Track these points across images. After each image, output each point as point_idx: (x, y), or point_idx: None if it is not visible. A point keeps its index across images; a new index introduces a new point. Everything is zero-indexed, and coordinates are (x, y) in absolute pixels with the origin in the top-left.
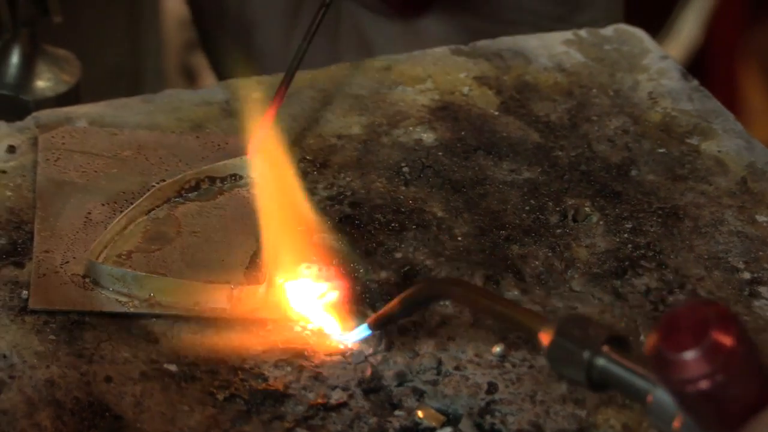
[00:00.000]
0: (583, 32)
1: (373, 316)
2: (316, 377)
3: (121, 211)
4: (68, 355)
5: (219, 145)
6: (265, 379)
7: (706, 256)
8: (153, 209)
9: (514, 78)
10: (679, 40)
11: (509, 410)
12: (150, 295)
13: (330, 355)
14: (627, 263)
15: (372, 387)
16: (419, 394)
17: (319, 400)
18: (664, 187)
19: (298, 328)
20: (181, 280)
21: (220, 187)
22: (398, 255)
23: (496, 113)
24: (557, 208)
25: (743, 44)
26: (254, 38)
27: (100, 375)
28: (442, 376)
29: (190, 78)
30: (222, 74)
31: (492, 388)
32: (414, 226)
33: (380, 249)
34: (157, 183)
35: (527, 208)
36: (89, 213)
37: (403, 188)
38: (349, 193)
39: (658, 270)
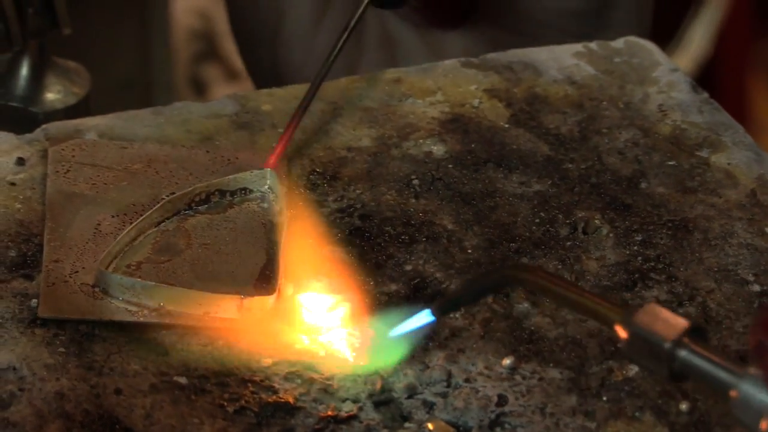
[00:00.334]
0: (593, 45)
1: (437, 301)
2: (326, 389)
3: (131, 223)
4: (78, 367)
5: (229, 160)
6: (276, 392)
7: (715, 269)
8: (163, 221)
9: (525, 90)
10: (688, 52)
11: (519, 422)
12: (160, 304)
13: (340, 366)
14: (637, 276)
15: (382, 399)
16: (429, 407)
17: (330, 413)
18: (674, 199)
19: (310, 340)
20: (191, 290)
21: (230, 201)
22: (408, 267)
23: (506, 126)
24: (567, 221)
25: (753, 57)
26: (282, 29)
27: (110, 387)
28: (452, 389)
29: (199, 90)
30: (249, 63)
31: (502, 400)
32: (424, 239)
33: (390, 261)
34: (167, 196)
35: (537, 220)
36: (99, 224)
37: (413, 201)
38: (359, 206)
39: (668, 282)
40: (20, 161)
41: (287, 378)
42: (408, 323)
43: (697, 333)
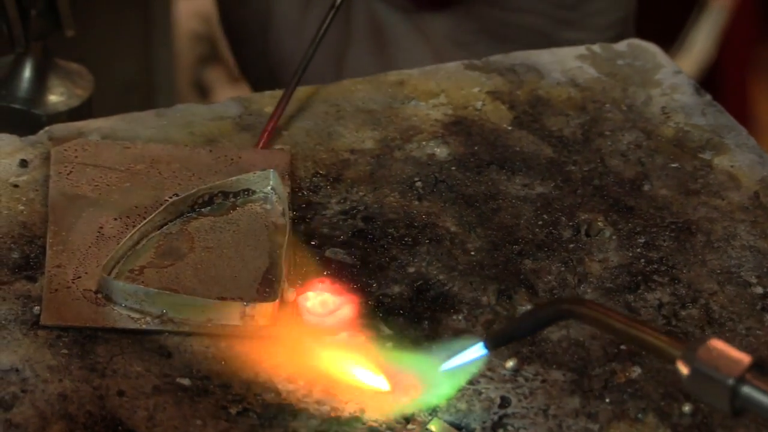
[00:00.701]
0: (596, 47)
1: (491, 333)
2: (329, 391)
3: (134, 226)
4: (81, 369)
5: (232, 159)
6: (278, 394)
7: (718, 271)
8: (166, 224)
9: (527, 93)
10: (691, 55)
11: (522, 424)
12: (162, 311)
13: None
14: (640, 278)
15: (385, 401)
16: (432, 408)
17: (332, 414)
18: (677, 201)
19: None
20: (193, 297)
21: (233, 202)
22: (411, 269)
23: (509, 128)
24: (570, 223)
25: (755, 59)
26: (271, 22)
27: (113, 389)
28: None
29: (202, 93)
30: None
31: (505, 402)
32: (427, 241)
33: (393, 263)
34: (170, 197)
35: (540, 222)
36: (101, 227)
37: (416, 203)
38: (362, 208)
39: (671, 285)
40: (23, 163)
41: (290, 379)
42: (460, 357)
43: (759, 368)
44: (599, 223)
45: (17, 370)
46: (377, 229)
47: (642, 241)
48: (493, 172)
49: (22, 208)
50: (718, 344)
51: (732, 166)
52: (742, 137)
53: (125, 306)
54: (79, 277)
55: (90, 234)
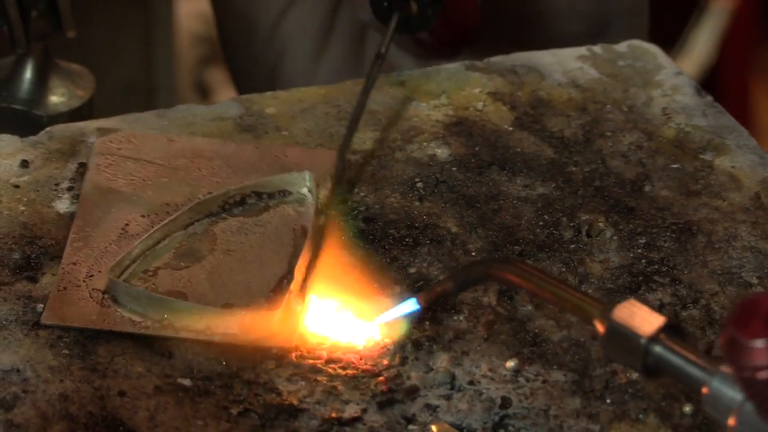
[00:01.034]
0: (597, 48)
1: (423, 292)
2: (330, 391)
3: (159, 224)
4: (82, 369)
5: (277, 157)
6: (279, 394)
7: (719, 272)
8: (192, 223)
9: (528, 93)
10: (692, 56)
11: (523, 425)
12: (164, 316)
13: (344, 369)
14: (641, 278)
15: (386, 401)
16: (433, 409)
17: (333, 415)
18: (678, 202)
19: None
20: (192, 303)
21: (267, 203)
22: (412, 270)
23: (510, 129)
24: (571, 224)
25: (756, 60)
26: (283, 65)
27: (114, 389)
28: (456, 391)
29: (203, 94)
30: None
31: (506, 402)
32: (428, 242)
33: (394, 264)
34: (203, 195)
35: (541, 223)
36: (127, 224)
37: (417, 203)
38: (363, 208)
39: (672, 285)
40: (24, 164)
41: (291, 380)
42: (394, 311)
43: (673, 330)
44: (600, 224)
45: (18, 371)
46: (378, 230)
47: (643, 241)
48: (494, 172)
49: (23, 208)
50: (635, 305)
51: (733, 167)
52: (743, 138)
53: (129, 309)
54: (92, 276)
55: (113, 231)
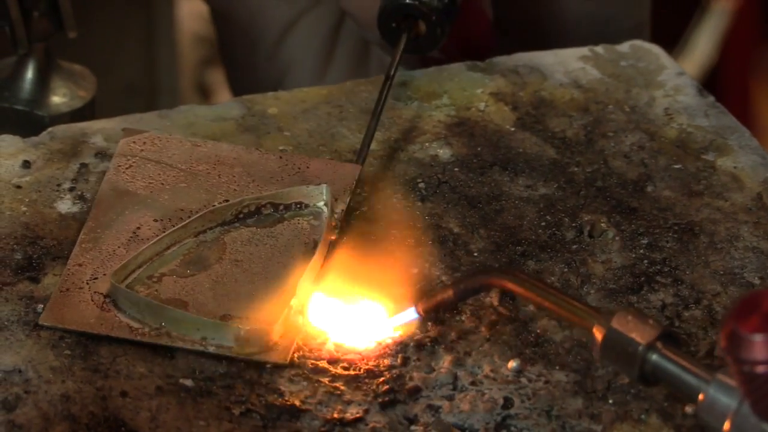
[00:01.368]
0: (599, 48)
1: (423, 300)
2: (332, 392)
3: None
4: (84, 370)
5: (299, 168)
6: (281, 395)
7: (721, 272)
8: (204, 231)
9: (530, 94)
10: (693, 56)
11: (525, 425)
12: (161, 324)
13: (347, 369)
14: (643, 279)
15: (388, 402)
16: (435, 410)
17: (335, 415)
18: (680, 203)
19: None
20: (191, 314)
21: (282, 215)
22: (414, 270)
23: (512, 129)
24: (573, 224)
25: (757, 61)
26: (287, 81)
27: (116, 390)
28: (458, 391)
29: (204, 95)
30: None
31: (508, 403)
32: (430, 242)
33: (396, 264)
34: (219, 203)
35: (543, 223)
36: (139, 228)
37: (419, 204)
38: (365, 209)
39: (674, 285)
40: (26, 164)
41: (293, 380)
42: (395, 319)
43: (669, 338)
44: (602, 224)
45: (20, 371)
46: (380, 230)
47: (645, 242)
48: (496, 173)
49: (24, 209)
50: (632, 314)
51: (735, 168)
52: (745, 138)
53: (128, 314)
54: (96, 279)
55: (124, 234)
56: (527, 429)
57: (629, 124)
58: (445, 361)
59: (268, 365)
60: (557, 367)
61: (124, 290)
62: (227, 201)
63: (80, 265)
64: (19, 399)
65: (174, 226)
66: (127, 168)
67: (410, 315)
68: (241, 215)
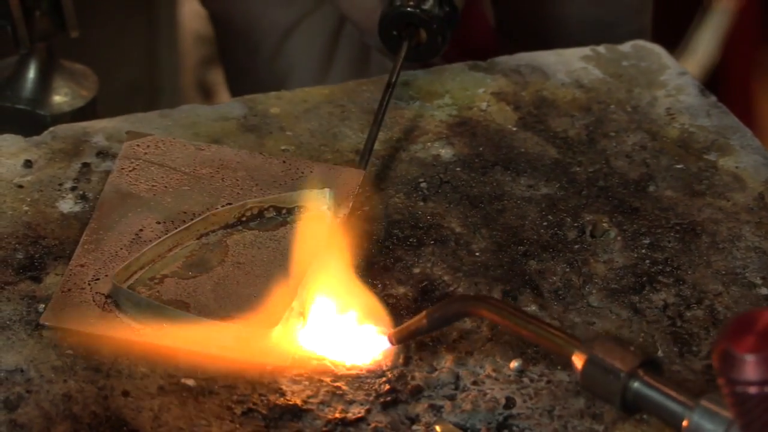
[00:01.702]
0: (601, 48)
1: (395, 329)
2: (334, 392)
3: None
4: (85, 369)
5: (302, 173)
6: (283, 394)
7: (723, 272)
8: (207, 233)
9: (532, 94)
10: (695, 56)
11: (527, 425)
12: (162, 325)
13: (348, 369)
14: (645, 279)
15: (390, 402)
16: (437, 409)
17: (337, 415)
18: (682, 202)
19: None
20: (192, 315)
21: (284, 218)
22: (416, 270)
23: (514, 129)
24: (575, 224)
25: (759, 61)
26: (287, 85)
27: (118, 389)
28: (460, 391)
29: (206, 94)
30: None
31: (510, 403)
32: (432, 242)
33: (398, 264)
34: (222, 206)
35: (545, 223)
36: (141, 230)
37: (421, 203)
38: (366, 209)
39: (676, 285)
40: (27, 164)
41: (295, 380)
42: (369, 349)
43: (651, 365)
44: (604, 224)
45: (22, 371)
46: (382, 230)
47: (647, 242)
48: (498, 172)
49: (26, 208)
50: (612, 341)
51: (737, 167)
52: (746, 138)
53: (130, 315)
54: (98, 279)
55: (127, 236)
56: (529, 429)
57: (631, 123)
58: (447, 361)
59: (270, 366)
60: (559, 367)
61: (126, 291)
62: (230, 204)
63: (82, 265)
64: (21, 398)
65: (177, 229)
66: (130, 170)
67: (383, 344)
68: (244, 218)
